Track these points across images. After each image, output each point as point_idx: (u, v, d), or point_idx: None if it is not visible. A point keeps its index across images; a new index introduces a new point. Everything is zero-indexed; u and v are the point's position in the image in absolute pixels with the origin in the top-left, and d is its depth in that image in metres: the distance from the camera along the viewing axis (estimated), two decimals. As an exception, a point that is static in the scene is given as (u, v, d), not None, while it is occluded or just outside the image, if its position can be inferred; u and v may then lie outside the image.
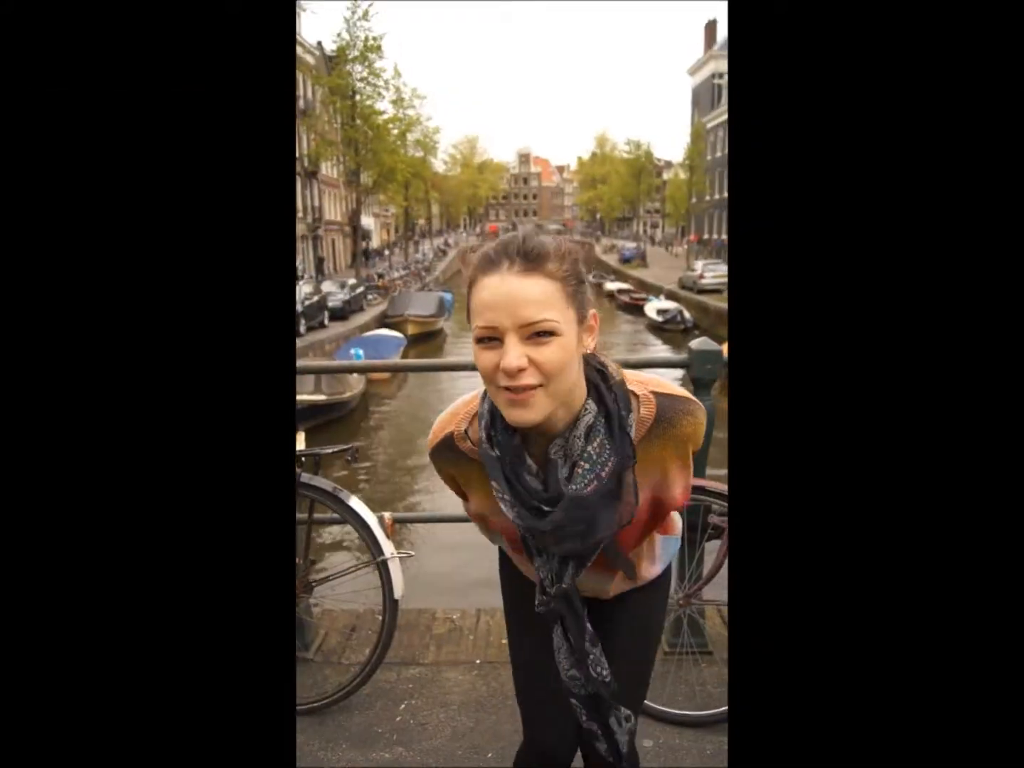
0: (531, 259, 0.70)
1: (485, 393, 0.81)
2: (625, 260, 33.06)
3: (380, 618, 1.70)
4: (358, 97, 18.75)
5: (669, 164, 46.95)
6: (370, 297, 18.85)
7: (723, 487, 1.63)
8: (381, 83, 18.61)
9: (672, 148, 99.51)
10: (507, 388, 0.71)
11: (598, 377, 0.79)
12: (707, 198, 33.08)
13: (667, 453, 0.81)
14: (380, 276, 22.69)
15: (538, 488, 0.77)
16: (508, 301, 0.69)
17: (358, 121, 18.85)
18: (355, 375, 9.40)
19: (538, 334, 0.70)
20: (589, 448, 0.76)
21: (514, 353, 0.69)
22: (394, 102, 19.35)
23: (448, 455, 0.85)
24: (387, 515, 1.79)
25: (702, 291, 18.87)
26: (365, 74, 18.41)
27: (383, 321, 15.99)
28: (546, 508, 0.76)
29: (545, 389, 0.71)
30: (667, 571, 1.02)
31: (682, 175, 31.90)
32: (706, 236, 33.55)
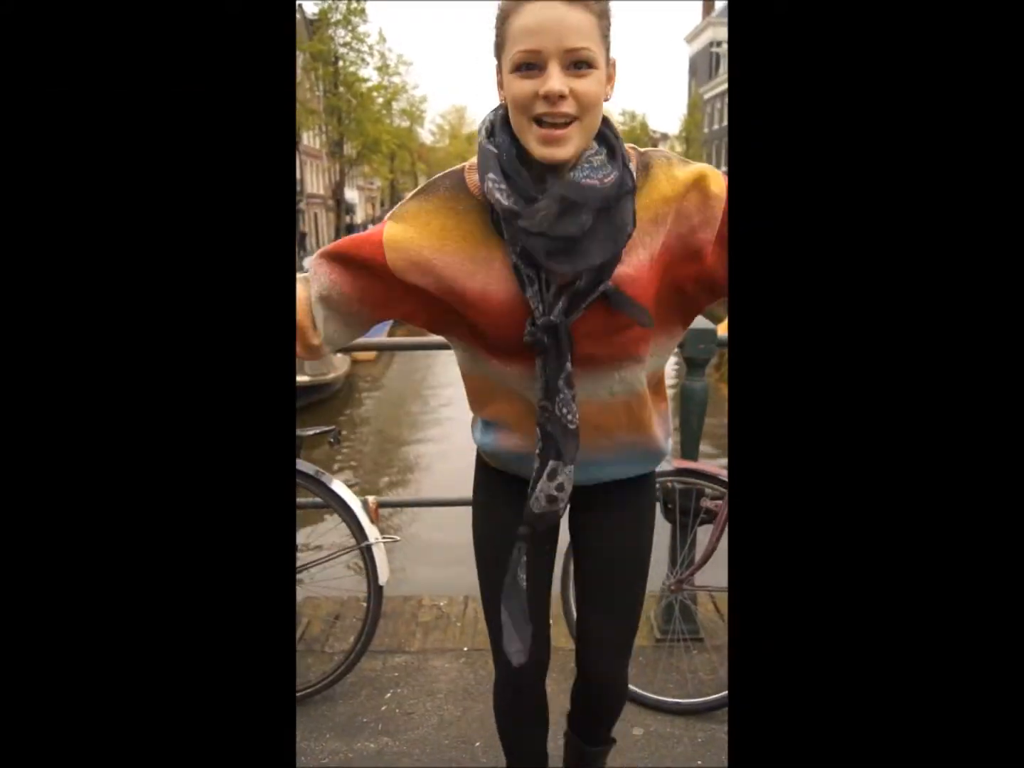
0: None
1: (490, 132, 0.81)
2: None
3: (364, 605, 1.66)
4: (341, 63, 18.14)
5: (665, 136, 46.18)
6: (355, 272, 18.43)
7: (716, 470, 1.60)
8: (365, 49, 18.02)
9: (668, 119, 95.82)
10: (543, 122, 0.73)
11: (604, 127, 0.81)
12: (702, 172, 32.46)
13: (651, 203, 0.81)
14: (365, 251, 22.21)
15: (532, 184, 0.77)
16: (555, 25, 0.70)
17: (341, 88, 18.28)
18: (339, 355, 9.29)
19: (578, 65, 0.71)
20: (591, 157, 0.77)
21: (558, 79, 0.71)
22: (379, 69, 18.79)
23: (447, 191, 0.82)
24: (371, 499, 1.73)
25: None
26: (348, 39, 17.79)
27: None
28: (539, 197, 0.76)
29: (580, 123, 0.73)
30: (652, 476, 1.01)
31: (679, 148, 31.48)
32: (700, 212, 32.96)
